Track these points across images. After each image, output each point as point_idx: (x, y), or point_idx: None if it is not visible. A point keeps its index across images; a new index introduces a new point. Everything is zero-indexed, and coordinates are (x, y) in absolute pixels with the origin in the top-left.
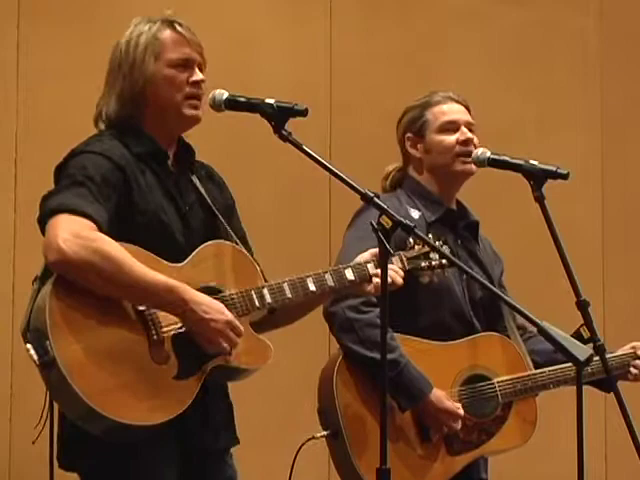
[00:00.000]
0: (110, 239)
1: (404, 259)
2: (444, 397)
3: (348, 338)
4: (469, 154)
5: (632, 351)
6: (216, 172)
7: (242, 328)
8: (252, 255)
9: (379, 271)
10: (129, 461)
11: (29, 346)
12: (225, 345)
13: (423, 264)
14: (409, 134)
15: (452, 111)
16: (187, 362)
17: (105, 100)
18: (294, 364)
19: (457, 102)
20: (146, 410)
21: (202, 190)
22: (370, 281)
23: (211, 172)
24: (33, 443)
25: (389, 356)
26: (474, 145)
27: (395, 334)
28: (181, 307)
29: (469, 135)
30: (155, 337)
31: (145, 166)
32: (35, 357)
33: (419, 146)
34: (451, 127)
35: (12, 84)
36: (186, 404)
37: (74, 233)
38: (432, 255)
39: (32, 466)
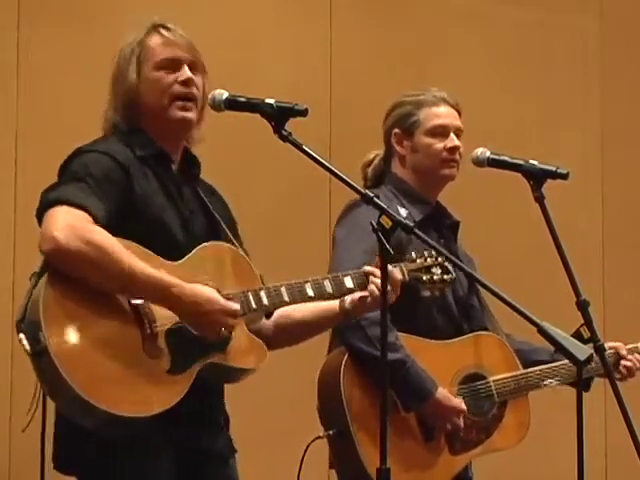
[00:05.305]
0: (105, 232)
1: (405, 271)
2: (449, 394)
3: (355, 336)
4: (454, 161)
5: (613, 351)
6: (218, 191)
7: (235, 307)
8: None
9: (375, 270)
10: (126, 463)
11: (22, 336)
12: (221, 330)
13: (424, 277)
14: (397, 130)
15: (444, 115)
16: (180, 357)
17: (111, 111)
18: (293, 364)
19: (450, 105)
20: (137, 402)
21: (206, 200)
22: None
23: (213, 190)
24: (23, 431)
25: (395, 355)
26: (459, 153)
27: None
28: (172, 302)
29: (456, 143)
30: (149, 331)
31: (148, 169)
32: (27, 347)
33: (405, 143)
34: (441, 132)
35: (12, 84)
36: (178, 397)
37: (69, 224)
38: (434, 269)
39: (32, 466)
